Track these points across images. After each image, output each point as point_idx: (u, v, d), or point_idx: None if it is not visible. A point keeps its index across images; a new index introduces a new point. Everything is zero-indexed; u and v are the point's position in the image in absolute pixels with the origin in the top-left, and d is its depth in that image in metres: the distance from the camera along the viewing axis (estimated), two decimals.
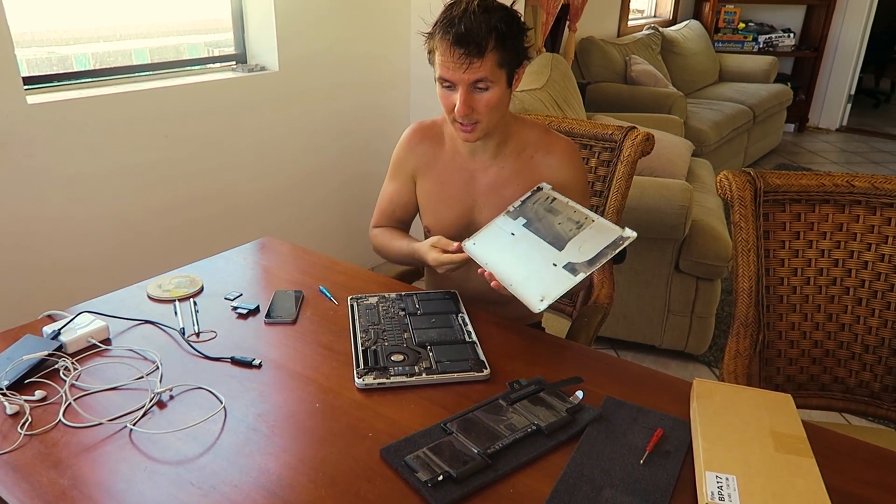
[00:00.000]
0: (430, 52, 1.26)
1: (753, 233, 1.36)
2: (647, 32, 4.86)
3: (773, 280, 1.39)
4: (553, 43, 3.81)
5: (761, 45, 5.87)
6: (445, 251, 1.29)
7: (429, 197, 1.45)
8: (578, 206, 1.24)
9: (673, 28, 5.24)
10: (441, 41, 1.21)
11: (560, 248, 1.18)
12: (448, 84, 1.24)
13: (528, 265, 1.19)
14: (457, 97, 1.23)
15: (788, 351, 1.42)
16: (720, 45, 5.85)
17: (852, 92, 6.04)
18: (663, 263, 2.41)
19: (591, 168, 1.65)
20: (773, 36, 5.87)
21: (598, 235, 1.17)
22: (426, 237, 1.49)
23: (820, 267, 1.38)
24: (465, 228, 1.41)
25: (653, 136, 1.61)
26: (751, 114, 4.59)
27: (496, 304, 1.38)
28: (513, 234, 1.25)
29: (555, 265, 1.16)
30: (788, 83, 5.50)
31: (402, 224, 1.55)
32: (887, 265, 1.35)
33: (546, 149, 1.37)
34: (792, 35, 5.89)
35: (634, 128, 1.62)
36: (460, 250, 1.27)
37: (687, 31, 5.23)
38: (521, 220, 1.27)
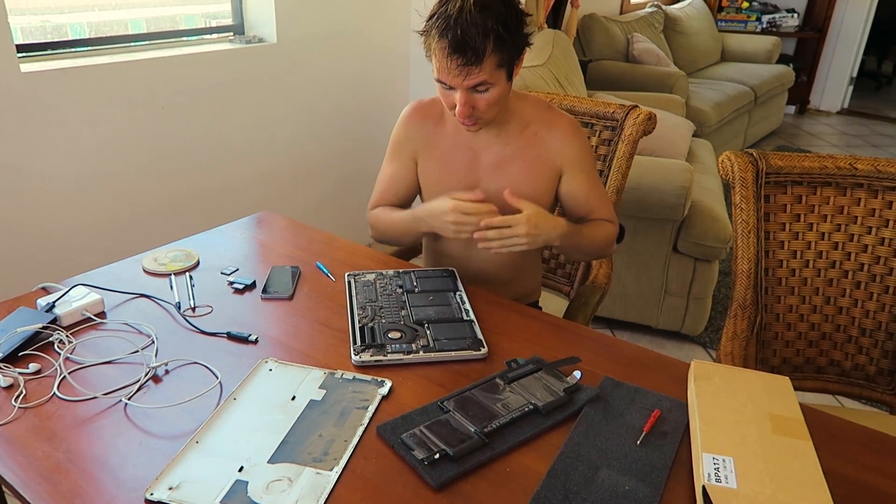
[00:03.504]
0: (427, 49, 1.21)
1: (754, 214, 1.35)
2: (649, 10, 4.80)
3: (773, 262, 1.38)
4: (555, 19, 3.76)
5: (764, 25, 5.80)
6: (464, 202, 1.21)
7: (430, 177, 1.42)
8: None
9: (676, 6, 5.17)
10: (437, 47, 1.17)
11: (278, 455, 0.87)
12: (447, 87, 1.22)
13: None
14: (456, 97, 1.21)
15: (785, 333, 1.42)
16: (723, 24, 5.79)
17: (854, 74, 5.99)
18: (662, 244, 2.40)
19: (591, 147, 1.63)
20: (777, 16, 5.81)
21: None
22: None
23: (819, 250, 1.38)
24: None
25: (655, 116, 1.59)
26: (752, 95, 4.56)
27: (496, 284, 1.37)
28: (294, 397, 0.99)
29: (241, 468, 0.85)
30: (790, 64, 5.45)
31: (403, 207, 1.49)
32: (887, 249, 1.34)
33: (549, 125, 1.35)
34: (796, 15, 5.82)
35: (636, 107, 1.60)
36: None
37: (690, 9, 5.16)
38: (323, 392, 0.99)
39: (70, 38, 2.09)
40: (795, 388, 0.99)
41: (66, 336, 1.09)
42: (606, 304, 2.53)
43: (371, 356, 1.06)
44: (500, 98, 1.22)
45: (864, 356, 1.41)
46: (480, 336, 1.12)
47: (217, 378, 1.01)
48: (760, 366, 1.42)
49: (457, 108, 1.21)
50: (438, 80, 1.22)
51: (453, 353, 1.08)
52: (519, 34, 1.20)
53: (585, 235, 1.35)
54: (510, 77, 1.23)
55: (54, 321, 1.12)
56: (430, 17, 1.19)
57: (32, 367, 1.02)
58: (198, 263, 1.37)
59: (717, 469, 0.81)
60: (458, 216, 1.21)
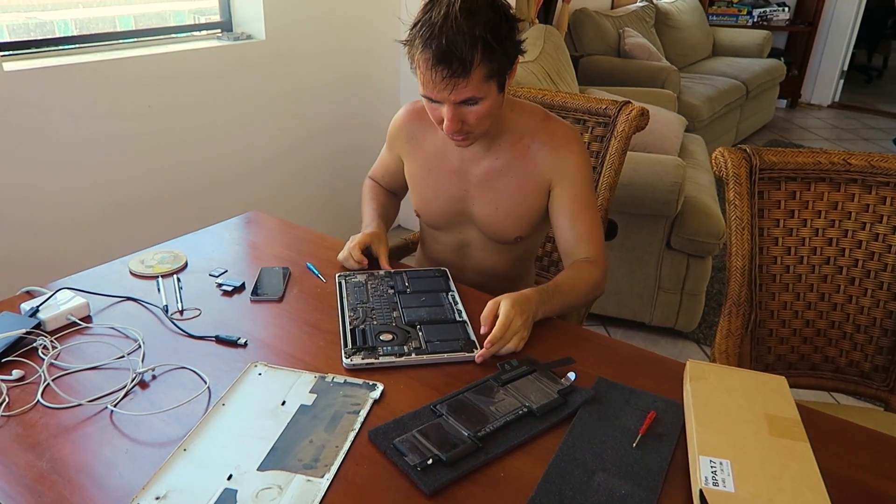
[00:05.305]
0: (411, 61, 1.12)
1: (748, 211, 1.34)
2: (641, 4, 4.79)
3: (767, 259, 1.37)
4: (546, 14, 3.75)
5: (756, 19, 5.81)
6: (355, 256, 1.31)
7: (416, 181, 1.39)
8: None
9: (667, 0, 5.17)
10: (421, 57, 1.07)
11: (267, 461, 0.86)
12: (433, 101, 1.14)
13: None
14: (443, 111, 1.13)
15: (780, 330, 1.41)
16: (714, 18, 5.79)
17: (845, 68, 6.00)
18: (655, 240, 2.39)
19: (590, 167, 1.60)
20: (768, 10, 5.81)
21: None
22: (418, 221, 1.46)
23: (814, 246, 1.37)
24: (457, 217, 1.37)
25: (647, 112, 1.57)
26: (744, 89, 4.55)
27: (489, 292, 1.34)
28: (284, 402, 0.97)
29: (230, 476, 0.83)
30: (781, 58, 5.45)
31: (391, 190, 1.54)
32: (881, 244, 1.34)
33: (543, 138, 1.27)
34: (786, 9, 5.83)
35: (629, 103, 1.58)
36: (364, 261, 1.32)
37: (681, 3, 5.16)
38: (314, 396, 0.97)
39: (56, 35, 2.06)
40: (790, 386, 0.98)
41: (51, 341, 1.07)
42: (600, 301, 2.51)
43: (362, 359, 1.04)
44: (490, 111, 1.14)
45: (859, 352, 1.40)
46: (473, 337, 1.11)
47: (205, 383, 0.99)
48: (755, 363, 1.41)
49: (444, 123, 1.14)
50: (424, 95, 1.14)
51: (446, 355, 1.06)
52: (510, 41, 1.11)
53: (567, 293, 1.21)
54: (502, 88, 1.14)
55: (38, 326, 1.09)
56: (414, 26, 1.09)
57: (16, 373, 0.99)
58: (186, 265, 1.34)
59: (714, 472, 0.79)
60: (345, 252, 1.33)
